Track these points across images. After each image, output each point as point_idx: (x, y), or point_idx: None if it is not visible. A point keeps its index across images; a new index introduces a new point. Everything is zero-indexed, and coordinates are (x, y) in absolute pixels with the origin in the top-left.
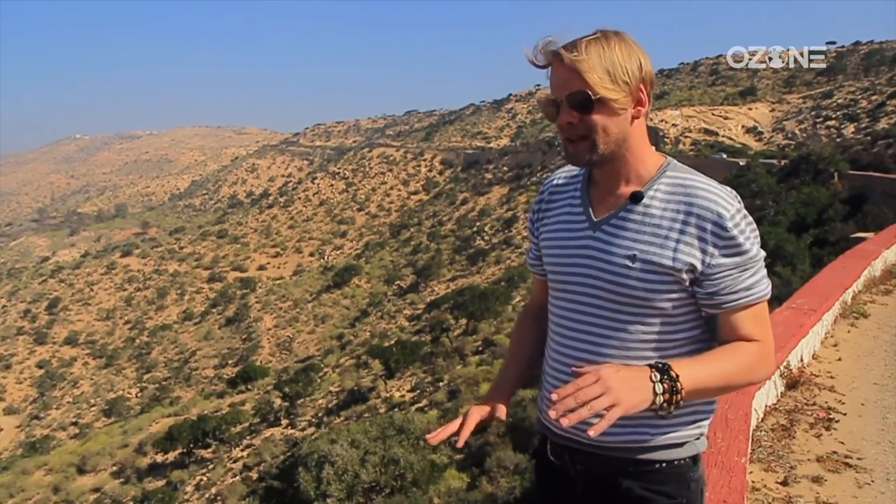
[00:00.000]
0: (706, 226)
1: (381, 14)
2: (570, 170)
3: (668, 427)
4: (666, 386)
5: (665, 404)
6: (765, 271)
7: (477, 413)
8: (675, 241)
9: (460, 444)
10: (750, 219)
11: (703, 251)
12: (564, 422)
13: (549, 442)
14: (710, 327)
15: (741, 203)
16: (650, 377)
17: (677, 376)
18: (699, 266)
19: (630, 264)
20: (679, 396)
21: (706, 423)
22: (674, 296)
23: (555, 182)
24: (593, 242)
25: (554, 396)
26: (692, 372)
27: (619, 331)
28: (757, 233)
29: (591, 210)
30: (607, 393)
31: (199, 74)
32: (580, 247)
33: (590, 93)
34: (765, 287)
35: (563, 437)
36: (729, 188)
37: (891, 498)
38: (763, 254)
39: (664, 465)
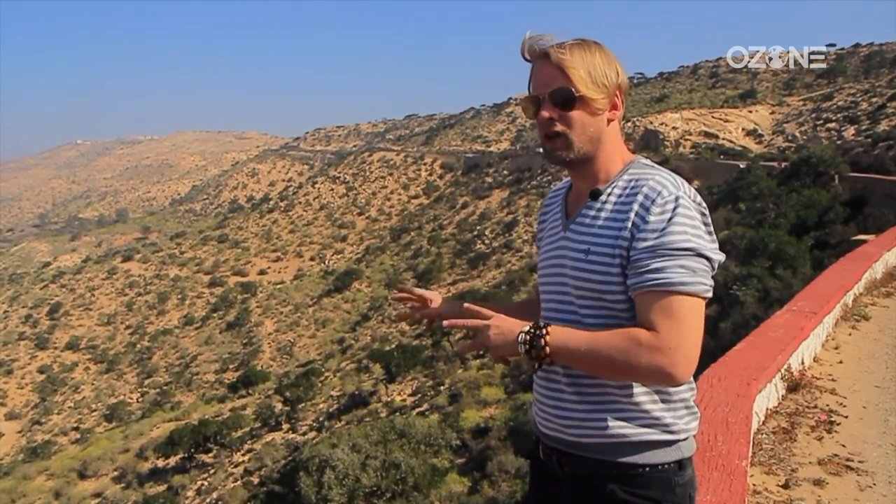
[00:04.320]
0: (640, 210)
1: (380, 18)
2: (562, 184)
3: (643, 422)
4: (527, 338)
5: (526, 355)
6: (689, 265)
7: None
8: (618, 229)
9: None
10: (684, 209)
11: (633, 235)
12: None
13: (541, 444)
14: None
15: (693, 197)
16: (521, 330)
17: (546, 334)
18: (629, 248)
19: (584, 257)
20: (542, 352)
21: (686, 423)
22: (621, 287)
23: (550, 196)
24: (563, 242)
25: (446, 323)
26: (566, 335)
27: (579, 324)
28: (688, 227)
29: (565, 213)
30: (481, 337)
31: (199, 79)
32: (556, 248)
33: (573, 90)
34: (678, 276)
35: (550, 437)
36: (686, 184)
37: (892, 501)
38: (694, 247)
39: (647, 468)
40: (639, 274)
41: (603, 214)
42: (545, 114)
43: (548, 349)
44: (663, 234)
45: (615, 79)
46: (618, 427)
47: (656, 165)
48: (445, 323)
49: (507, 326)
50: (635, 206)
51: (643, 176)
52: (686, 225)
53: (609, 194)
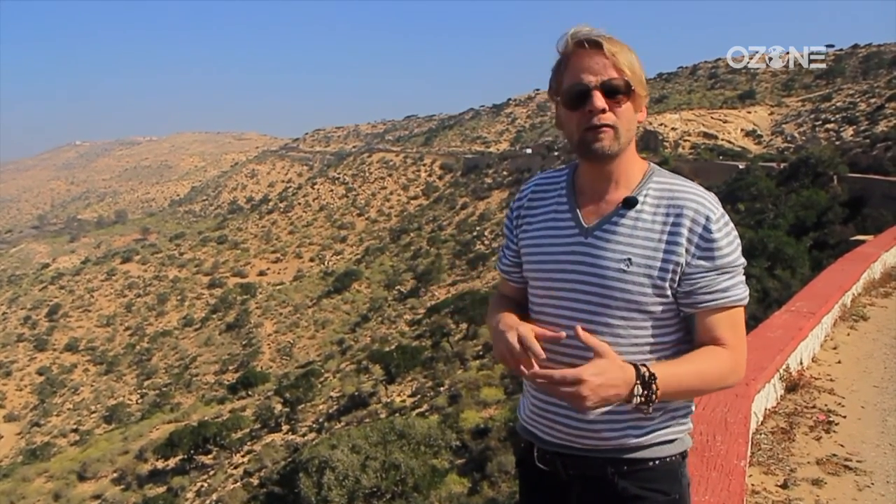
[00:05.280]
0: (695, 228)
1: (380, 19)
2: (549, 175)
3: (652, 428)
4: (642, 397)
5: (643, 406)
6: (743, 278)
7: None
8: (666, 243)
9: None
10: (732, 225)
11: (689, 252)
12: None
13: (537, 448)
14: (689, 329)
15: (723, 209)
16: (633, 389)
17: (656, 383)
18: (683, 266)
19: (625, 268)
20: (654, 398)
21: (688, 420)
22: (665, 298)
23: (534, 188)
24: (585, 248)
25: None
26: (670, 376)
27: (611, 335)
28: (738, 240)
29: (580, 216)
30: (577, 398)
31: (198, 80)
32: (570, 253)
33: (628, 81)
34: (741, 292)
35: (553, 442)
36: (712, 194)
37: (891, 500)
38: (743, 261)
39: (657, 462)
40: (707, 292)
41: (641, 224)
42: (599, 103)
43: (656, 396)
44: (728, 254)
45: (645, 81)
46: (631, 435)
47: (675, 174)
48: (539, 373)
49: (614, 378)
50: (687, 223)
51: (677, 188)
52: (737, 242)
53: (643, 203)
